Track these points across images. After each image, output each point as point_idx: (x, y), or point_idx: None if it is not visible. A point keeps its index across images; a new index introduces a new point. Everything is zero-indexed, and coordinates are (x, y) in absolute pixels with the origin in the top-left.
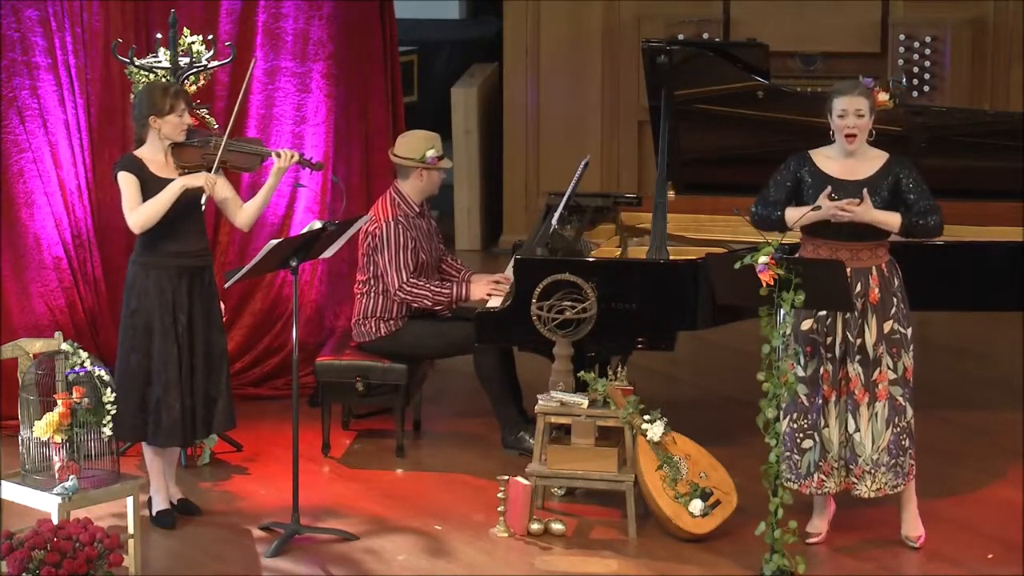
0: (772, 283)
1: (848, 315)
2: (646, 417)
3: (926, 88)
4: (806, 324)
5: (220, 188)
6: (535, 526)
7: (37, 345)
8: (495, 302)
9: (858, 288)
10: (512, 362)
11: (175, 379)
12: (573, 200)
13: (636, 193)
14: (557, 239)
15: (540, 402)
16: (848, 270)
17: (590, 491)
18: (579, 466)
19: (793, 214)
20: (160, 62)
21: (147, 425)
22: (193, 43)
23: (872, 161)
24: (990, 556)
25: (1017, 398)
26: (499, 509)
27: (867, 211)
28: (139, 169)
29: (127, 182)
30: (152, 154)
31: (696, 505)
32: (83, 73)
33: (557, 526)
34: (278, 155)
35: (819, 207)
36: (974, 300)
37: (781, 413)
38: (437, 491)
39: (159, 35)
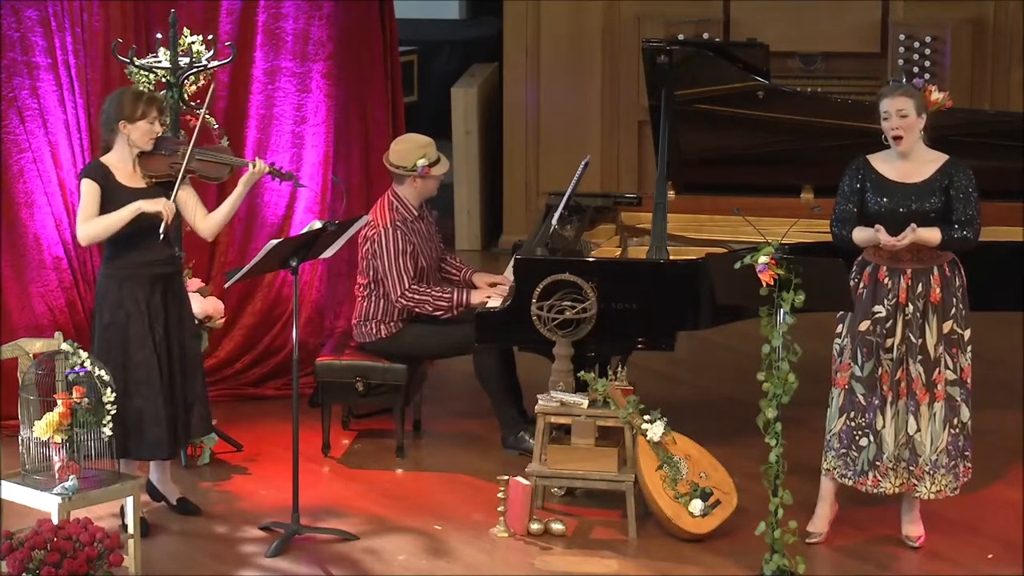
0: (772, 283)
1: (909, 316)
2: (646, 417)
3: None
4: (863, 326)
5: (183, 195)
6: (535, 526)
7: (37, 345)
8: (495, 302)
9: (920, 288)
10: (512, 362)
11: (159, 390)
12: (573, 200)
13: (636, 193)
14: (557, 239)
15: (540, 402)
16: (909, 271)
17: (590, 491)
18: (579, 466)
19: (859, 236)
20: (160, 62)
21: (126, 439)
22: (193, 43)
23: (928, 164)
24: (990, 556)
25: (1017, 398)
26: (499, 509)
27: (915, 236)
28: (104, 177)
29: (87, 191)
30: (119, 161)
31: (696, 505)
32: (83, 73)
33: (557, 526)
34: (254, 164)
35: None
36: (974, 300)
37: (836, 412)
38: (437, 491)
39: (159, 35)
